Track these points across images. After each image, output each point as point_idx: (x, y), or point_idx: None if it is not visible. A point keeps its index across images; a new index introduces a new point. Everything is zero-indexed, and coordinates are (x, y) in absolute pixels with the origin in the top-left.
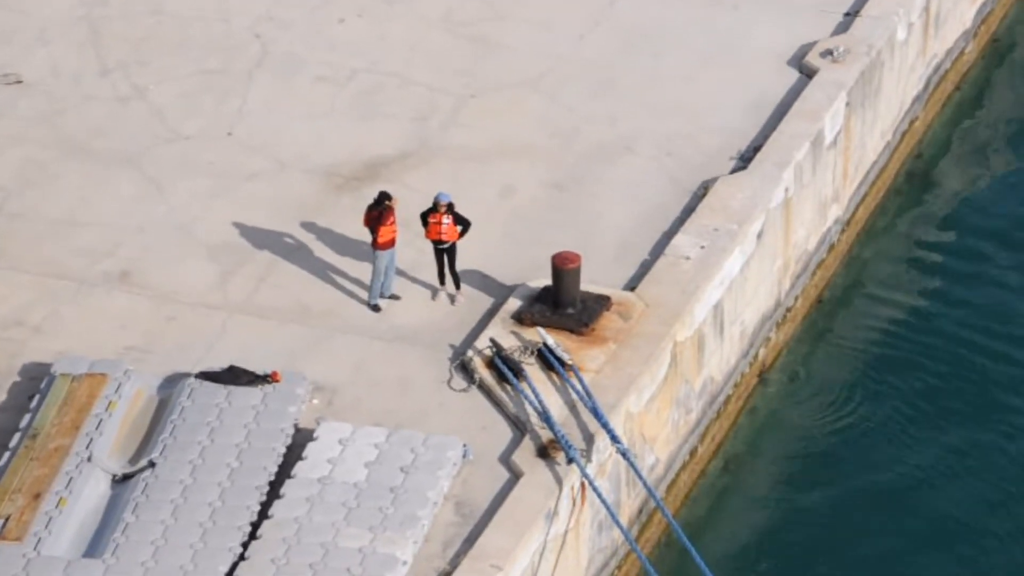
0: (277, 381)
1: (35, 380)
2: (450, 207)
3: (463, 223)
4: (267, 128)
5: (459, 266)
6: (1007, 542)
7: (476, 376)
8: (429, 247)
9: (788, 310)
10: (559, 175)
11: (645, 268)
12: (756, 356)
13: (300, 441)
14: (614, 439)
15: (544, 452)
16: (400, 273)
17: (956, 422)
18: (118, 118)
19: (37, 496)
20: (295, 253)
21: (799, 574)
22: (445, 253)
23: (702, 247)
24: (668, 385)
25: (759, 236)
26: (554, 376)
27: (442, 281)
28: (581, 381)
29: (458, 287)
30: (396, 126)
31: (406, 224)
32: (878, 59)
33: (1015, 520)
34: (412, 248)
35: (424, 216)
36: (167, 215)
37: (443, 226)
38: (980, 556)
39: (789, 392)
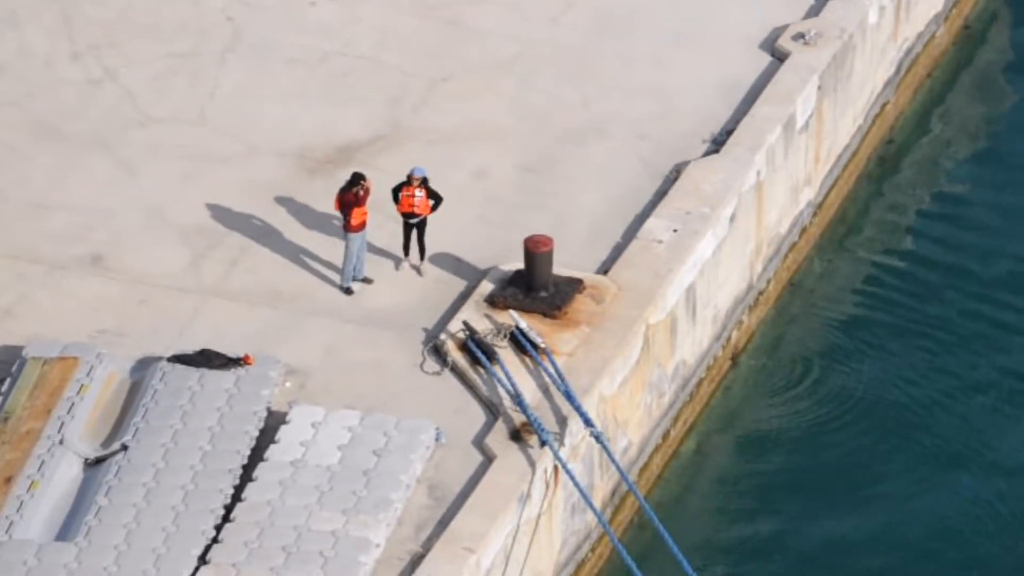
0: (250, 364)
1: (6, 364)
2: (424, 181)
3: (436, 198)
4: (239, 111)
5: (432, 248)
6: (982, 520)
7: (449, 359)
8: (402, 230)
9: (760, 293)
10: (531, 158)
11: (618, 251)
12: (729, 339)
13: (273, 424)
14: (587, 422)
15: (517, 435)
16: (373, 256)
17: (928, 404)
18: (89, 101)
19: (9, 480)
20: (267, 236)
21: (770, 555)
22: (416, 227)
23: (675, 230)
24: (641, 368)
25: (731, 219)
26: (527, 359)
27: (406, 253)
28: (554, 364)
29: (423, 258)
30: (368, 109)
31: (378, 206)
32: (850, 42)
33: (985, 494)
34: (385, 231)
35: (396, 190)
36: (139, 198)
37: (416, 199)
38: (957, 533)
39: (761, 375)
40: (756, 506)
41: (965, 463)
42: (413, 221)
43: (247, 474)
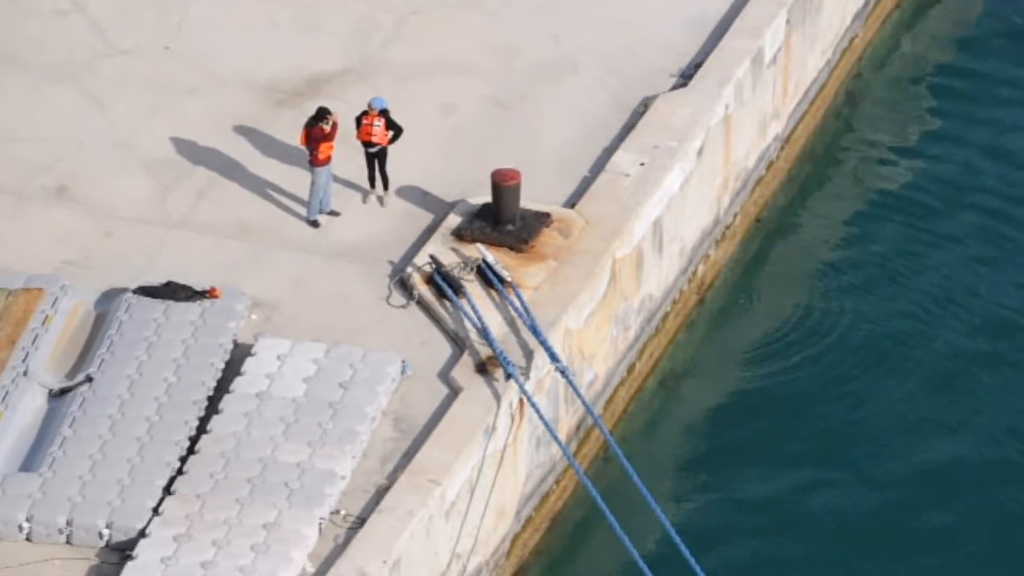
0: (216, 296)
1: None
2: (384, 112)
3: (395, 129)
4: (207, 43)
5: (400, 181)
6: (945, 463)
7: (415, 292)
8: (365, 162)
9: (727, 227)
10: (501, 92)
11: (585, 185)
12: (695, 273)
13: (238, 356)
14: (552, 357)
15: (483, 368)
16: (339, 188)
17: (893, 338)
18: (56, 32)
19: None
20: (234, 169)
21: (732, 487)
22: (376, 157)
23: (642, 164)
24: (607, 302)
25: (699, 153)
26: (493, 293)
27: (372, 184)
28: (520, 298)
29: (386, 188)
30: (337, 42)
31: (346, 139)
32: None
33: (946, 426)
34: (352, 164)
35: (359, 118)
36: (106, 130)
37: (374, 128)
38: (930, 476)
39: (727, 309)
40: (720, 441)
41: (938, 393)
42: (372, 150)
43: (212, 406)
